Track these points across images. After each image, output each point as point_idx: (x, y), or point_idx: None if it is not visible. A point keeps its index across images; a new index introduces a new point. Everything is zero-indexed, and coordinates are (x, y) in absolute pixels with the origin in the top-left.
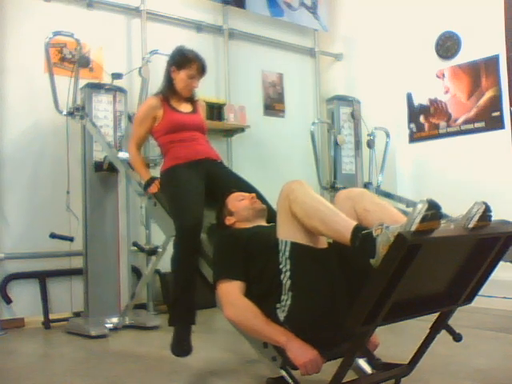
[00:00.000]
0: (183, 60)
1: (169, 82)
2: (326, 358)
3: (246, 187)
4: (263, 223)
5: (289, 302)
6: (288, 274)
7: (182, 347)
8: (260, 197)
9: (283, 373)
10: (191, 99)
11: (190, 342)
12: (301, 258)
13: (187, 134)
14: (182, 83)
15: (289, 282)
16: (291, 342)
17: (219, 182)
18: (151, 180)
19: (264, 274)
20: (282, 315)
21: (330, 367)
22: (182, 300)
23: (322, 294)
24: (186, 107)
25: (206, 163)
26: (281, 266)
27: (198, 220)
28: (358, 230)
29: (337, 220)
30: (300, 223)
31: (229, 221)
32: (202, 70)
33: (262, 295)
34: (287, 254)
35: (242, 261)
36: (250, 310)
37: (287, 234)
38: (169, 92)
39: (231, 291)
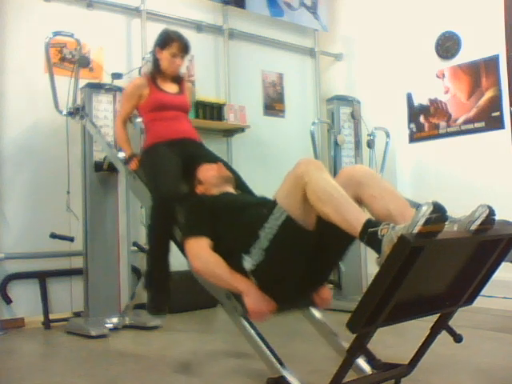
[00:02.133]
0: (165, 40)
1: (154, 62)
2: (279, 311)
3: (216, 159)
4: (231, 190)
5: (259, 259)
6: (270, 236)
7: (158, 307)
8: (226, 166)
9: (243, 321)
10: (178, 80)
11: (166, 303)
12: (289, 232)
13: (170, 114)
14: (165, 62)
15: (266, 244)
16: (250, 290)
17: (196, 160)
18: (132, 156)
19: (233, 229)
20: (248, 266)
21: (330, 367)
22: (157, 267)
23: (292, 267)
24: (171, 87)
25: (186, 143)
26: (265, 224)
27: (173, 191)
28: (368, 224)
29: (349, 210)
30: (305, 205)
31: (199, 189)
32: (183, 48)
33: (230, 247)
34: (279, 222)
35: (208, 221)
36: (215, 260)
37: (287, 205)
38: (155, 72)
39: (197, 246)
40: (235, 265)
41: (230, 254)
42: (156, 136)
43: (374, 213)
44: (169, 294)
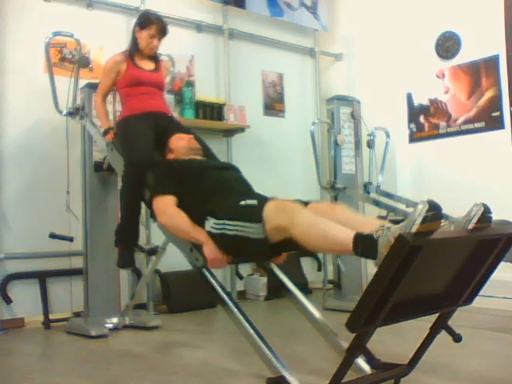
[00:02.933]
0: (145, 21)
1: (133, 40)
2: (234, 261)
3: (188, 131)
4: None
5: (219, 232)
6: (239, 233)
7: (126, 261)
8: (197, 138)
9: (204, 271)
10: (155, 58)
11: (133, 258)
12: (255, 243)
13: (144, 89)
14: (143, 42)
15: (232, 232)
16: (209, 241)
17: (167, 132)
18: (109, 129)
19: (198, 188)
20: (208, 228)
21: (330, 367)
22: (126, 224)
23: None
24: (148, 65)
25: (158, 116)
26: (244, 220)
27: (144, 157)
28: (359, 237)
29: (336, 233)
30: (281, 231)
31: (169, 156)
32: (161, 30)
33: (193, 204)
34: (253, 235)
35: (173, 180)
36: (179, 215)
37: (268, 230)
38: (133, 49)
39: (164, 203)
40: (197, 222)
41: (194, 211)
42: (130, 109)
43: None
44: (134, 249)
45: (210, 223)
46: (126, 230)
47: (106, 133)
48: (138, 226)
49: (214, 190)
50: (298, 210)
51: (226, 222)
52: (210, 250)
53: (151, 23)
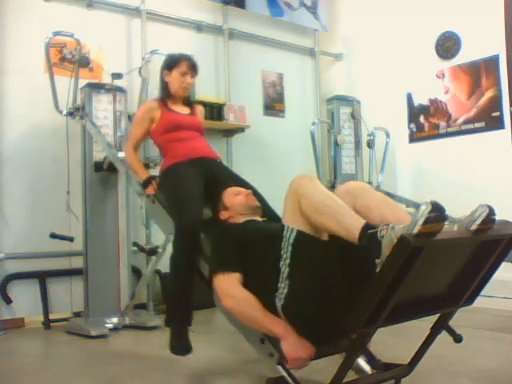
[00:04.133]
0: (172, 61)
1: (164, 85)
2: (319, 354)
3: (243, 184)
4: (257, 218)
5: (286, 290)
6: (288, 261)
7: (182, 346)
8: (256, 194)
9: (280, 369)
10: (189, 102)
11: (189, 341)
12: (304, 246)
13: (185, 133)
14: (175, 83)
15: (287, 270)
16: (288, 335)
17: (218, 180)
18: (149, 179)
19: (261, 264)
20: (279, 304)
21: (330, 367)
22: (180, 300)
23: (319, 284)
24: (183, 109)
25: (206, 162)
26: (282, 252)
27: (197, 218)
28: (366, 228)
29: (346, 217)
30: (307, 218)
31: (223, 215)
32: (191, 66)
33: (260, 285)
34: (291, 240)
35: (237, 254)
36: (248, 300)
37: (294, 223)
38: (165, 95)
39: (229, 283)
40: (265, 302)
41: (261, 290)
42: (174, 156)
43: (371, 222)
44: (188, 328)
45: (278, 296)
46: (178, 305)
47: (145, 184)
48: (191, 299)
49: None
50: (313, 180)
51: (281, 274)
52: (290, 346)
53: (179, 61)
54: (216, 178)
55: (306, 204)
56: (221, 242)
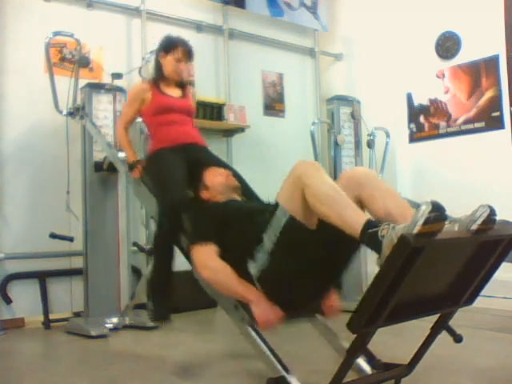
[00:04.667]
0: (169, 45)
1: (158, 67)
2: (288, 320)
3: (225, 167)
4: (237, 198)
5: (265, 264)
6: (273, 239)
7: (160, 316)
8: (236, 175)
9: (251, 331)
10: (181, 85)
11: (169, 311)
12: (293, 232)
13: (175, 117)
14: (169, 67)
15: (271, 247)
16: (259, 300)
17: (202, 164)
18: (135, 163)
19: (240, 238)
20: (253, 271)
21: (330, 367)
22: (163, 275)
23: (298, 269)
24: (175, 92)
25: (191, 147)
26: (268, 226)
27: (180, 198)
28: (368, 225)
29: (349, 211)
30: (305, 204)
31: (204, 195)
32: (187, 53)
33: (236, 255)
34: (282, 223)
35: (215, 228)
36: (224, 270)
37: (289, 206)
38: (158, 76)
39: (206, 254)
40: (242, 272)
41: (237, 261)
42: (161, 140)
43: (374, 212)
44: (172, 301)
45: (253, 265)
46: (161, 279)
47: (131, 167)
48: (172, 273)
49: (257, 234)
50: (318, 169)
51: (262, 246)
52: (260, 309)
53: (176, 46)
54: (200, 162)
55: (310, 194)
56: (200, 217)
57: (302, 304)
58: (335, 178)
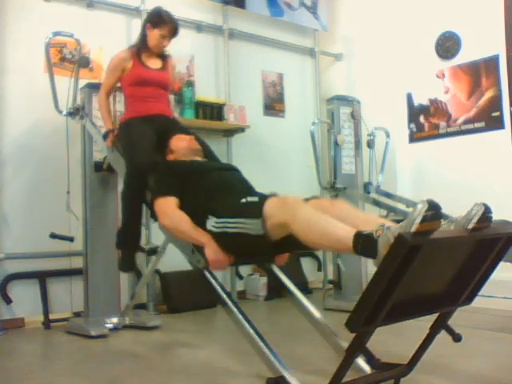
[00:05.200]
0: (158, 19)
1: (143, 37)
2: (236, 263)
3: (188, 133)
4: (199, 159)
5: (220, 230)
6: (237, 230)
7: (127, 265)
8: (198, 140)
9: (206, 273)
10: (162, 56)
11: (134, 261)
12: (255, 239)
13: (149, 90)
14: (154, 41)
15: (232, 230)
16: (211, 243)
17: (169, 133)
18: (109, 131)
19: (198, 190)
20: (209, 227)
21: (330, 367)
22: (130, 227)
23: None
24: (155, 63)
25: (160, 118)
26: (243, 216)
27: (147, 160)
28: (359, 236)
29: (336, 230)
30: (283, 230)
31: (169, 157)
32: (174, 31)
33: (195, 205)
34: (253, 231)
35: (175, 182)
36: (181, 217)
37: (269, 226)
38: (141, 46)
39: (165, 204)
40: (199, 222)
41: (195, 212)
42: (134, 111)
43: None
44: (135, 251)
45: (211, 222)
46: (128, 232)
47: (105, 137)
48: (139, 228)
49: (216, 190)
50: (300, 206)
51: (227, 220)
52: (211, 251)
53: (164, 23)
54: (167, 132)
55: (297, 228)
56: (162, 173)
57: (251, 255)
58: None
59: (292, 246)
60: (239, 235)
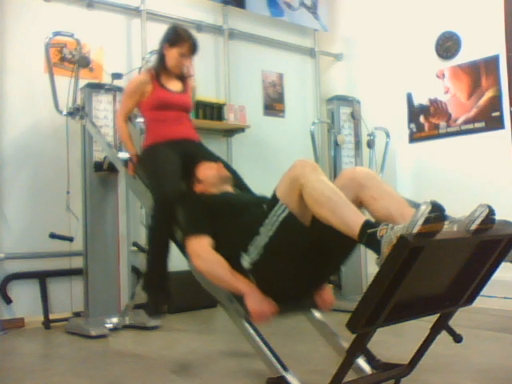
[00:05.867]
0: (176, 38)
1: (161, 58)
2: (282, 312)
3: (215, 159)
4: (229, 189)
5: (257, 258)
6: (270, 233)
7: (154, 310)
8: (227, 166)
9: (246, 324)
10: (182, 77)
11: (163, 305)
12: (289, 228)
13: (172, 114)
14: (173, 61)
15: (266, 241)
16: (252, 292)
17: (194, 159)
18: (131, 158)
19: (231, 229)
20: (246, 264)
21: (330, 367)
22: (157, 268)
23: (290, 265)
24: (175, 85)
25: (185, 143)
26: (267, 221)
27: (174, 191)
28: (366, 226)
29: (347, 212)
30: (303, 203)
31: (197, 188)
32: (193, 49)
33: (230, 247)
34: (281, 218)
35: (208, 219)
36: (217, 261)
37: (287, 201)
38: (160, 68)
39: (199, 245)
40: (235, 264)
41: (231, 253)
42: (156, 136)
43: (374, 214)
44: (168, 295)
45: (246, 258)
46: (154, 272)
47: (127, 162)
48: (167, 268)
49: (252, 227)
50: (316, 170)
51: (257, 239)
52: (253, 301)
53: (183, 40)
54: (192, 158)
55: (307, 194)
56: (193, 209)
57: (295, 297)
58: (335, 178)
59: (333, 252)
60: (274, 240)
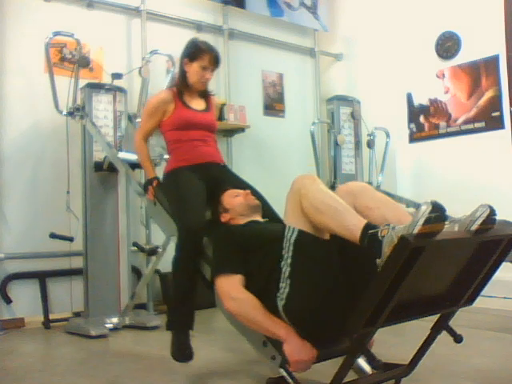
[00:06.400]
0: (195, 51)
1: (182, 74)
2: (322, 357)
3: (242, 185)
4: (258, 218)
5: (287, 290)
6: (289, 260)
7: (183, 352)
8: (255, 193)
9: (283, 372)
10: (205, 95)
11: (190, 347)
12: (305, 245)
13: (196, 134)
14: (195, 76)
15: (288, 270)
16: (290, 337)
17: (220, 184)
18: (148, 183)
19: (263, 265)
20: (280, 304)
21: (331, 367)
22: (182, 303)
23: (320, 284)
24: (198, 104)
25: (209, 167)
26: (283, 252)
27: (200, 222)
28: (367, 228)
29: (347, 217)
30: (308, 218)
31: (224, 218)
32: (215, 60)
33: (262, 287)
34: (292, 239)
35: (239, 255)
36: (250, 302)
37: (295, 223)
38: (182, 85)
39: (230, 285)
40: (269, 305)
41: (263, 291)
42: (179, 159)
43: (372, 221)
44: (189, 334)
45: (279, 296)
46: (179, 309)
47: (146, 186)
48: (193, 304)
49: (279, 263)
50: (315, 180)
51: (282, 273)
52: (292, 348)
53: (203, 53)
54: (218, 182)
55: (308, 204)
56: (222, 244)
57: (334, 336)
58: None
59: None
60: (295, 265)
